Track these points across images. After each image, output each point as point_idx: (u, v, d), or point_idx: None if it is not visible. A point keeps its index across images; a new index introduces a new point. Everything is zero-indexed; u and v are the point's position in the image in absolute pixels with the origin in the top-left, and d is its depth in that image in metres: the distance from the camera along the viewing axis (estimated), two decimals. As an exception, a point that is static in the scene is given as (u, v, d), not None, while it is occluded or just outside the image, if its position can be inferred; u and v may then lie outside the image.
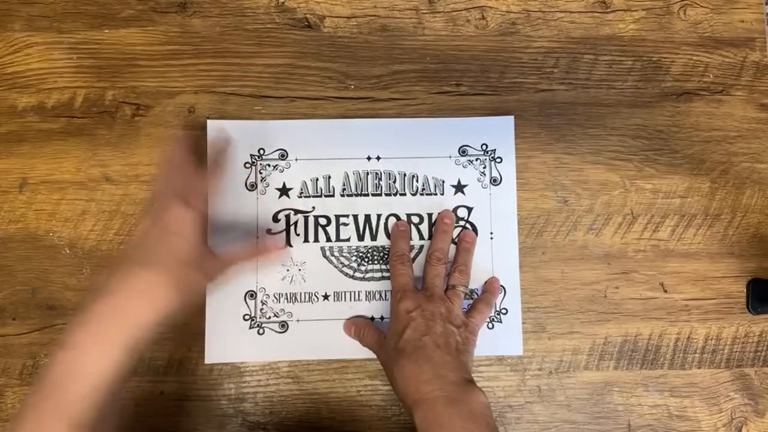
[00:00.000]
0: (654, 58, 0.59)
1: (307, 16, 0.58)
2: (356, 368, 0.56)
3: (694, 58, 0.59)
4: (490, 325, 0.56)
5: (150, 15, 0.58)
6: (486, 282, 0.57)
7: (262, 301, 0.56)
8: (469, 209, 0.57)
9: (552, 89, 0.59)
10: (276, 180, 0.57)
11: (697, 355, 0.57)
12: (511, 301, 0.57)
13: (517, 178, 0.58)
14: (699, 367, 0.57)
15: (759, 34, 0.60)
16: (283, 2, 0.58)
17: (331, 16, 0.59)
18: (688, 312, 0.57)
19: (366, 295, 0.56)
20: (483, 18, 0.59)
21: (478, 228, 0.57)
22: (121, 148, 0.57)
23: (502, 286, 0.57)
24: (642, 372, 0.57)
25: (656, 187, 0.58)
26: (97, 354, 0.41)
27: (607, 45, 0.59)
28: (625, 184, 0.58)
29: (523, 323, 0.56)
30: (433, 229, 0.57)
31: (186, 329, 0.55)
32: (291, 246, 0.56)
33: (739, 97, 0.59)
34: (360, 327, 0.55)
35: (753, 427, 0.57)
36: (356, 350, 0.55)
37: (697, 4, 0.60)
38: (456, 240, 0.57)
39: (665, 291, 0.58)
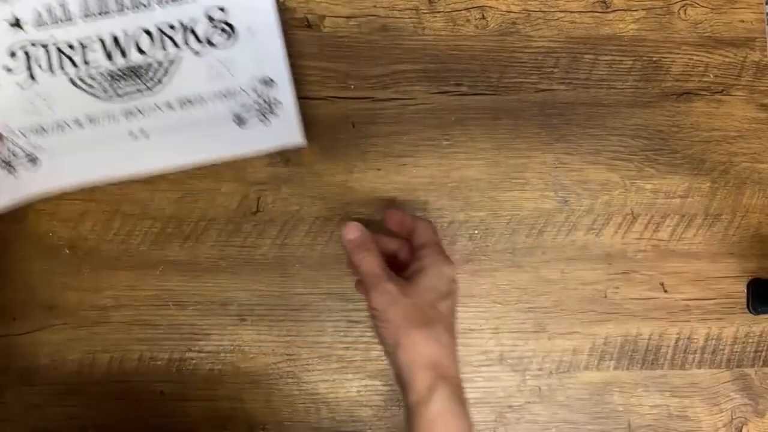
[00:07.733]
0: (654, 58, 0.59)
1: (307, 16, 0.58)
2: (356, 368, 0.56)
3: (694, 58, 0.59)
4: (262, 118, 0.54)
5: (150, 15, 0.58)
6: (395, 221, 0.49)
7: (8, 140, 0.52)
8: (223, 9, 0.54)
9: (552, 89, 0.59)
10: (4, 11, 0.52)
11: (697, 355, 0.57)
12: (283, 91, 0.54)
13: (518, 178, 0.58)
14: (699, 367, 0.57)
15: (759, 34, 0.60)
16: (283, 2, 0.58)
17: (331, 16, 0.59)
18: (689, 312, 0.57)
19: (123, 113, 0.53)
20: (483, 18, 0.59)
21: (235, 26, 0.54)
22: (121, 148, 0.57)
23: (271, 79, 0.54)
24: (642, 372, 0.57)
25: (656, 187, 0.58)
26: None
27: (607, 45, 0.59)
28: (625, 184, 0.58)
29: (523, 323, 0.56)
30: None
31: (186, 329, 0.55)
32: (34, 79, 0.53)
33: (739, 97, 0.59)
34: (365, 246, 0.46)
35: (753, 428, 0.57)
36: (118, 166, 0.54)
37: (698, 4, 0.60)
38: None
39: (665, 291, 0.58)
